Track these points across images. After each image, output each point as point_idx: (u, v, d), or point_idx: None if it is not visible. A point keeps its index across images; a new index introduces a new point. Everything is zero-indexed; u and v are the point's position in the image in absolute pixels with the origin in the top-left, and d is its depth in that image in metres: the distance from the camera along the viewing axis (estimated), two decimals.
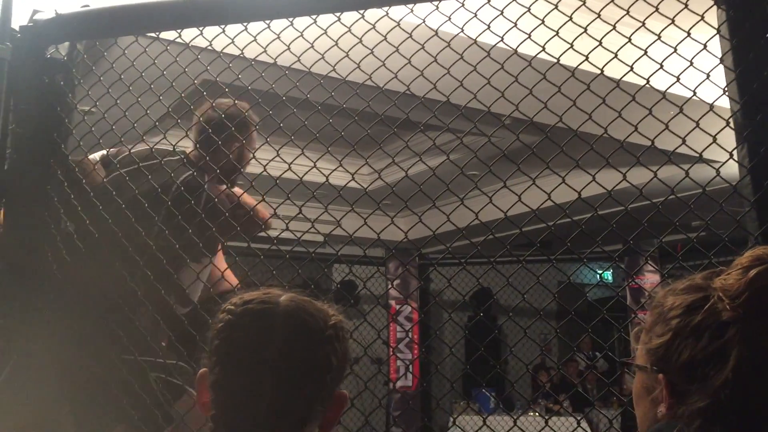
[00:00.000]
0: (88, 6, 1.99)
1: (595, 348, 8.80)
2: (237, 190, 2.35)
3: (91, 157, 2.25)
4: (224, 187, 2.30)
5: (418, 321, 7.71)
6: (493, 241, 1.79)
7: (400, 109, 1.79)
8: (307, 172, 1.85)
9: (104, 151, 2.32)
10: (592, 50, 1.65)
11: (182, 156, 2.29)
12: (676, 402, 0.99)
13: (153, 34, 2.05)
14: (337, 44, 1.77)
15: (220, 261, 2.45)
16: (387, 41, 1.73)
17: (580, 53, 1.63)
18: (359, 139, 1.71)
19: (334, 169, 1.79)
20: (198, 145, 2.34)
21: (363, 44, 1.74)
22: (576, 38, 1.64)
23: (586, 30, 1.63)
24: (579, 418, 6.42)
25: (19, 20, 1.96)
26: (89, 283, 1.97)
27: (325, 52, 1.79)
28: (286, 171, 1.76)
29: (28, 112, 1.90)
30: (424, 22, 1.74)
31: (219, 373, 1.07)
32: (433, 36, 1.73)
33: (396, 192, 1.85)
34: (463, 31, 1.68)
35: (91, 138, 2.07)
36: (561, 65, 1.63)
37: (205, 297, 2.19)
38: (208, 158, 2.15)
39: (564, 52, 1.62)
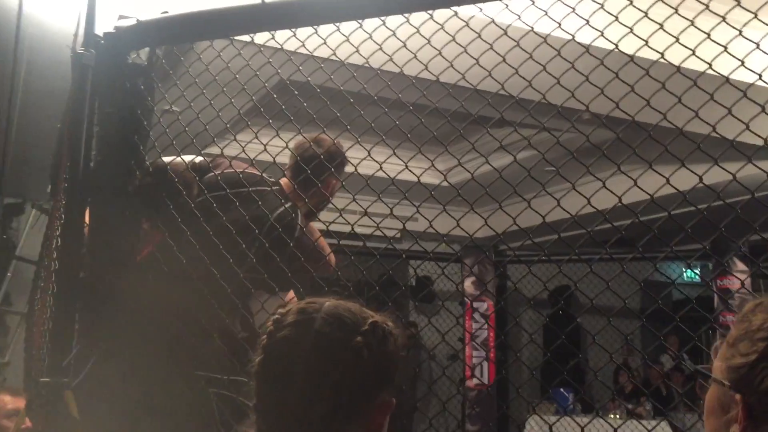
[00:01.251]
0: (167, 12, 2.06)
1: (683, 347, 8.49)
2: (314, 228, 2.40)
3: (182, 160, 2.25)
4: (311, 223, 2.39)
5: (495, 318, 7.63)
6: (570, 238, 1.76)
7: (466, 109, 1.78)
8: (372, 174, 1.87)
9: (195, 157, 2.34)
10: (669, 47, 1.59)
11: (277, 188, 2.34)
12: (751, 426, 0.93)
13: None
14: (405, 45, 1.78)
15: None
16: (456, 42, 1.72)
17: (656, 50, 1.57)
18: (427, 139, 1.71)
19: (401, 171, 1.80)
20: (294, 180, 2.36)
21: (431, 45, 1.74)
22: (653, 34, 1.58)
23: (662, 26, 1.57)
24: (659, 421, 6.22)
25: (102, 27, 2.04)
26: (170, 297, 2.04)
27: (394, 53, 1.80)
28: (352, 174, 1.78)
29: (110, 116, 1.99)
30: (493, 21, 1.73)
31: (259, 371, 1.16)
32: (502, 35, 1.71)
33: (469, 189, 1.84)
34: (533, 29, 1.65)
35: (173, 139, 2.14)
36: (635, 63, 1.58)
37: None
38: (302, 194, 2.19)
39: (639, 49, 1.56)
